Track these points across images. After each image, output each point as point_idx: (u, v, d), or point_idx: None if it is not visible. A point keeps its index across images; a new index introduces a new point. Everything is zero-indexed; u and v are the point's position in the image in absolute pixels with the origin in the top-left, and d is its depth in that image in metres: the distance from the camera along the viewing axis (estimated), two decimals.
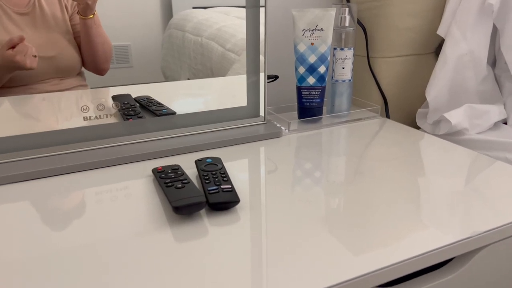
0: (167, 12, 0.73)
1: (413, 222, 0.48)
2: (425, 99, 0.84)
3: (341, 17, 0.80)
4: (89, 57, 0.68)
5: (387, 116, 0.89)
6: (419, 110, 0.89)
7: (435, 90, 0.82)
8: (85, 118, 0.66)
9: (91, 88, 0.68)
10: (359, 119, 0.85)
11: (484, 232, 0.46)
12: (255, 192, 0.56)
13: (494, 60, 0.89)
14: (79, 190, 0.56)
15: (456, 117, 0.78)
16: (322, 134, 0.78)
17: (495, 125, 0.82)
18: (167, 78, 0.75)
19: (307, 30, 0.77)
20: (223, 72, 0.79)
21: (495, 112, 0.81)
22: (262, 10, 0.74)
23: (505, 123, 0.85)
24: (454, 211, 0.50)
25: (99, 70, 0.69)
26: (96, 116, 0.67)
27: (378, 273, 0.40)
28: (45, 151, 0.63)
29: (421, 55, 0.90)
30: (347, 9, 0.80)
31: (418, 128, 0.87)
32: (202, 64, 0.79)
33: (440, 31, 0.84)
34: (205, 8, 0.79)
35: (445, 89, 0.82)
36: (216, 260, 0.41)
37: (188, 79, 0.77)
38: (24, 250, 0.43)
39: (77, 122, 0.66)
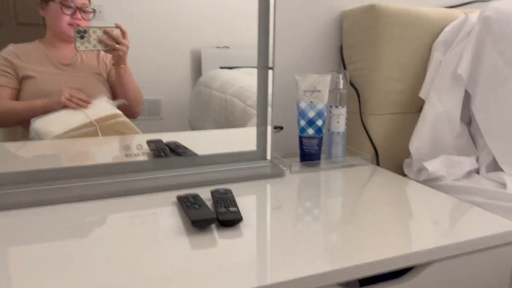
0: (197, 71, 0.85)
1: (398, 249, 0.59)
2: None
3: (336, 81, 0.98)
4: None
5: (377, 164, 1.03)
6: (406, 160, 1.03)
7: (417, 143, 0.97)
8: (126, 155, 0.83)
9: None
10: (353, 165, 0.99)
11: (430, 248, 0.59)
12: (258, 217, 0.69)
13: (470, 119, 1.04)
14: (122, 211, 0.71)
15: (433, 165, 0.92)
16: (320, 176, 0.91)
17: (469, 174, 0.95)
18: (193, 129, 0.88)
19: (307, 91, 0.94)
20: (243, 124, 0.93)
21: (467, 163, 0.95)
22: (271, 71, 0.89)
23: (478, 173, 0.98)
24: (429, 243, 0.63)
25: (132, 113, 0.83)
26: (134, 154, 0.84)
27: None
28: (92, 180, 0.79)
29: (407, 114, 1.05)
30: (341, 75, 0.97)
31: (405, 175, 1.01)
32: (225, 117, 0.91)
33: (422, 94, 1.00)
34: (230, 68, 0.92)
35: (426, 142, 0.97)
36: (222, 265, 0.53)
37: None
38: (65, 259, 0.55)
39: (119, 158, 0.83)
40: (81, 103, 0.79)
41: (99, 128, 0.81)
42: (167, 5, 0.81)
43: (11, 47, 0.75)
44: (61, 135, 0.79)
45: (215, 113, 0.91)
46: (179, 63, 0.84)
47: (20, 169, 0.76)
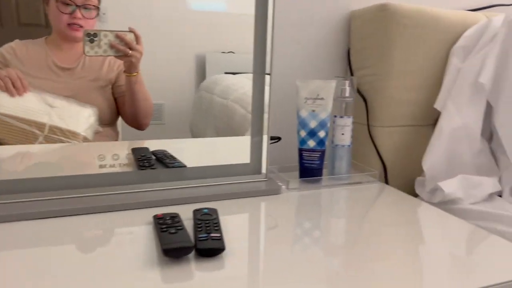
0: (201, 76, 0.81)
1: None
2: None
3: (342, 89, 0.88)
4: (130, 112, 0.76)
5: (386, 182, 0.93)
6: (418, 178, 0.92)
7: (431, 160, 0.86)
8: (101, 166, 0.74)
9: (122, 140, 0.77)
10: (359, 183, 0.89)
11: None
12: (249, 240, 0.60)
13: (491, 135, 0.93)
14: (86, 231, 0.62)
15: (450, 186, 0.81)
16: (321, 194, 0.82)
17: (490, 197, 0.85)
18: (194, 135, 0.83)
19: (309, 99, 0.84)
20: (243, 132, 0.86)
21: (489, 184, 0.84)
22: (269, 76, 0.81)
23: (501, 196, 0.87)
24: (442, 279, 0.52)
25: (139, 125, 0.77)
26: (110, 165, 0.74)
27: None
28: (61, 194, 0.70)
29: (420, 126, 0.95)
30: (347, 81, 0.87)
31: (416, 195, 0.90)
32: (226, 124, 0.86)
33: (437, 105, 0.90)
34: (234, 73, 0.87)
35: (441, 159, 0.86)
36: None
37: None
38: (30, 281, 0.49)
39: (93, 169, 0.73)
40: (10, 89, 0.68)
41: (44, 138, 0.72)
42: (172, 10, 0.77)
43: (13, 43, 0.68)
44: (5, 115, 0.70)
45: (216, 119, 0.86)
46: (183, 68, 0.80)
47: None
